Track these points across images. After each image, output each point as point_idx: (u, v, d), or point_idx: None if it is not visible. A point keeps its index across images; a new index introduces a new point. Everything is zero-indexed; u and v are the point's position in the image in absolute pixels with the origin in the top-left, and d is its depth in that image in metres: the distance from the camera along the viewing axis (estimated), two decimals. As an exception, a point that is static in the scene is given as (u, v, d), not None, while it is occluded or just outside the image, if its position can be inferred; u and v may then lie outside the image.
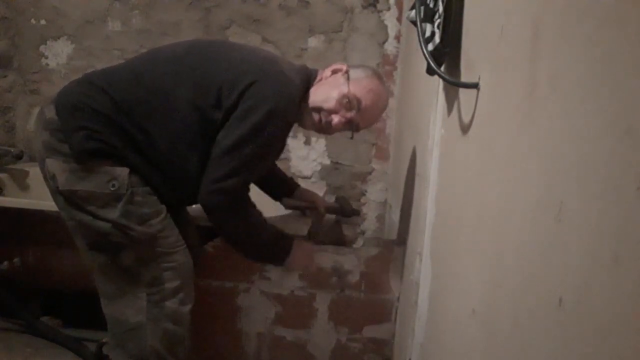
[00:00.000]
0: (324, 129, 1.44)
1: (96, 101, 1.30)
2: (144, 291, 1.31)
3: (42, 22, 2.44)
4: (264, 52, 1.47)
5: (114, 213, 1.28)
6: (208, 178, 1.31)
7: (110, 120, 1.29)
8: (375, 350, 1.75)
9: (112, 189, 1.28)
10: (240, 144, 1.28)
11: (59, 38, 2.44)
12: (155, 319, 1.32)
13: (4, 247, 1.90)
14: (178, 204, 1.44)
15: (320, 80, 1.43)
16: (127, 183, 1.29)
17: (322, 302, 1.72)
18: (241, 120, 1.27)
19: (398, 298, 1.72)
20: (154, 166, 1.32)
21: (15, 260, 1.90)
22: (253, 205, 1.38)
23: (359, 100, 1.39)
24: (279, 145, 1.42)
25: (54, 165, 1.30)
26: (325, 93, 1.39)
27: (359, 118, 1.41)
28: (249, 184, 1.37)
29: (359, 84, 1.40)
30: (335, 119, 1.40)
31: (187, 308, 1.36)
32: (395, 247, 1.71)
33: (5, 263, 1.88)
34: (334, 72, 1.43)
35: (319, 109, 1.40)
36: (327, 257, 1.69)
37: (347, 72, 1.42)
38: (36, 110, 2.48)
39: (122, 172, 1.29)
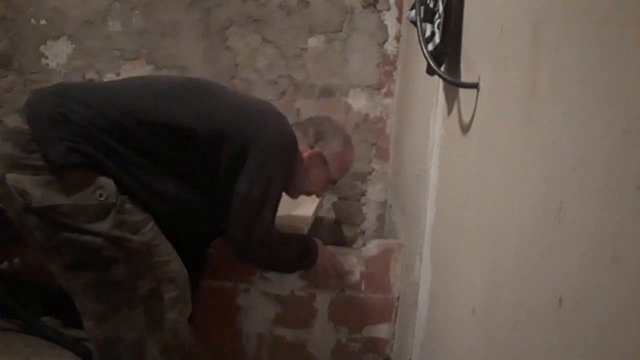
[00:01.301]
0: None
1: (78, 113, 1.19)
2: (141, 305, 1.24)
3: (42, 22, 2.44)
4: (259, 99, 1.49)
5: (104, 225, 1.17)
6: (239, 229, 1.32)
7: (92, 134, 1.19)
8: (375, 349, 1.75)
9: (100, 199, 1.17)
10: (265, 192, 1.31)
11: (59, 38, 2.44)
12: (155, 332, 1.26)
13: (4, 247, 1.90)
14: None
15: (301, 162, 1.45)
16: (114, 191, 1.20)
17: (322, 302, 1.72)
18: (259, 169, 1.29)
19: (398, 298, 1.72)
20: (137, 182, 1.25)
21: (15, 260, 1.89)
22: (274, 228, 1.40)
23: (339, 177, 1.57)
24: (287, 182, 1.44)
25: (21, 180, 1.13)
26: (309, 185, 1.52)
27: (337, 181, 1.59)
28: (274, 224, 1.39)
29: (338, 165, 1.52)
30: (319, 195, 1.62)
31: (185, 316, 1.32)
32: (395, 246, 1.71)
33: (5, 263, 1.88)
34: (310, 157, 1.47)
35: (305, 193, 1.56)
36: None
37: (323, 156, 1.49)
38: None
39: (106, 180, 1.20)
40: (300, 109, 2.41)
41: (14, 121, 1.17)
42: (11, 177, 1.14)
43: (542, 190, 0.62)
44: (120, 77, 1.44)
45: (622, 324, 0.44)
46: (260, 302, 1.72)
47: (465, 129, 1.01)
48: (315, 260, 1.57)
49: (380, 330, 1.74)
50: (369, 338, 1.75)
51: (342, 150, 1.52)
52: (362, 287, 1.72)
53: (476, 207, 0.91)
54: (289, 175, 1.38)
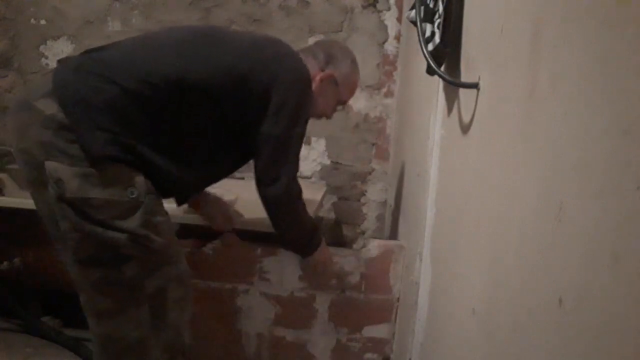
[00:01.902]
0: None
1: (105, 93, 1.19)
2: (147, 303, 1.23)
3: (42, 22, 2.44)
4: (266, 36, 1.50)
5: (132, 223, 1.18)
6: (268, 169, 1.36)
7: (123, 113, 1.19)
8: (374, 349, 1.75)
9: (131, 196, 1.18)
10: (289, 130, 1.34)
11: (59, 38, 2.44)
12: (158, 330, 1.25)
13: (4, 247, 1.90)
14: (175, 195, 1.42)
15: (315, 86, 1.48)
16: (145, 190, 1.21)
17: (322, 303, 1.72)
18: (281, 109, 1.32)
19: (398, 298, 1.72)
20: (162, 155, 1.25)
21: (15, 260, 1.89)
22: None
23: (348, 98, 1.60)
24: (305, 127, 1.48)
25: (59, 169, 1.14)
26: (321, 107, 1.52)
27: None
28: (298, 166, 1.44)
29: (348, 86, 1.55)
30: (330, 116, 1.62)
31: (188, 316, 1.31)
32: (395, 247, 1.71)
33: (5, 263, 1.87)
34: (322, 80, 1.48)
35: (317, 116, 1.56)
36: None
37: (334, 78, 1.51)
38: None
39: (139, 178, 1.20)
40: (300, 109, 2.40)
41: (49, 107, 1.17)
42: (49, 165, 1.15)
43: (542, 190, 0.62)
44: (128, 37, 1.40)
45: (622, 324, 0.44)
46: (259, 303, 1.72)
47: (465, 129, 1.01)
48: (315, 250, 1.57)
49: (380, 330, 1.74)
50: (368, 338, 1.75)
51: (351, 71, 1.55)
52: (363, 288, 1.72)
53: (476, 207, 0.91)
54: (308, 109, 1.42)
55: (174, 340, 1.29)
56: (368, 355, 1.76)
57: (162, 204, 1.27)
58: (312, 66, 1.46)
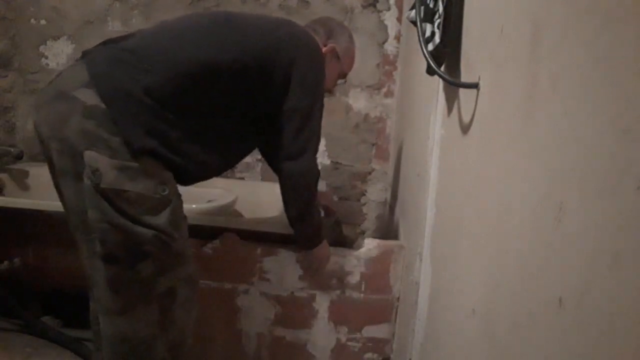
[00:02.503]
0: None
1: (142, 82, 1.21)
2: (157, 303, 1.24)
3: (42, 22, 2.44)
4: (277, 18, 1.53)
5: (160, 219, 1.20)
6: (294, 142, 1.38)
7: (158, 101, 1.21)
8: (374, 349, 1.75)
9: (162, 193, 1.20)
10: (312, 104, 1.39)
11: (59, 38, 2.44)
12: (165, 330, 1.26)
13: (4, 247, 1.90)
14: (196, 181, 1.44)
15: None
16: (175, 189, 1.24)
17: (322, 303, 1.72)
18: (302, 83, 1.37)
19: (398, 298, 1.72)
20: (192, 140, 1.27)
21: (15, 260, 1.89)
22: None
23: (349, 71, 1.67)
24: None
25: (98, 159, 1.15)
26: (326, 81, 1.53)
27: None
28: (318, 145, 1.47)
29: (348, 59, 1.63)
30: (332, 91, 1.69)
31: (193, 317, 1.33)
32: (395, 247, 1.71)
33: (6, 263, 1.88)
34: (325, 54, 1.54)
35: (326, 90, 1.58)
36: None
37: (336, 51, 1.58)
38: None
39: (170, 177, 1.24)
40: (300, 109, 2.40)
41: (90, 98, 1.18)
42: (89, 154, 1.16)
43: (542, 190, 0.62)
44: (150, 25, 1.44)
45: (622, 324, 0.44)
46: (259, 303, 1.72)
47: (465, 129, 1.01)
48: (317, 245, 1.59)
49: (380, 330, 1.74)
50: (368, 338, 1.75)
51: (350, 44, 1.63)
52: (362, 288, 1.72)
53: (476, 207, 0.91)
54: (324, 83, 1.47)
55: (179, 341, 1.29)
56: (368, 355, 1.76)
57: (182, 206, 1.29)
58: None
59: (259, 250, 1.69)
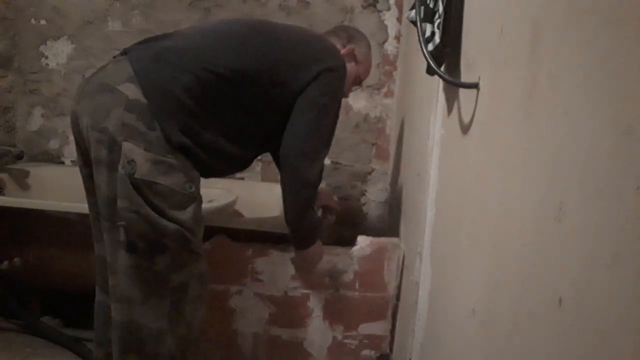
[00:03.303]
0: None
1: (182, 81, 1.26)
2: (169, 296, 1.27)
3: (42, 22, 2.44)
4: (307, 30, 1.59)
5: (185, 215, 1.25)
6: (305, 140, 1.39)
7: (195, 100, 1.27)
8: (371, 346, 1.75)
9: (189, 190, 1.26)
10: (326, 105, 1.41)
11: (59, 38, 2.44)
12: (174, 324, 1.29)
13: (4, 247, 1.90)
14: (219, 176, 1.50)
15: None
16: (199, 188, 1.29)
17: (316, 302, 1.72)
18: (322, 85, 1.40)
19: (394, 296, 1.72)
20: (220, 137, 1.34)
21: (15, 260, 1.89)
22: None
23: (365, 77, 1.69)
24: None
25: (135, 151, 1.21)
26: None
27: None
28: (327, 152, 1.49)
29: (366, 64, 1.66)
30: (347, 95, 1.67)
31: (200, 314, 1.35)
32: (389, 245, 1.71)
33: (6, 263, 1.87)
34: (344, 55, 1.56)
35: None
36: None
37: (354, 54, 1.61)
38: (37, 111, 2.50)
39: (197, 176, 1.30)
40: (300, 109, 2.40)
41: (133, 92, 1.23)
42: (127, 146, 1.21)
43: (542, 190, 0.62)
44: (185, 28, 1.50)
45: (622, 324, 0.44)
46: (253, 304, 1.71)
47: (465, 129, 1.01)
48: (312, 244, 1.59)
49: (377, 328, 1.74)
50: (365, 335, 1.75)
51: (368, 50, 1.67)
52: (357, 287, 1.71)
53: (476, 207, 0.91)
54: (341, 97, 1.50)
55: (187, 336, 1.32)
56: (365, 352, 1.76)
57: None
58: (335, 42, 1.56)
59: (250, 252, 1.70)
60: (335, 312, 1.72)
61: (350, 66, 1.58)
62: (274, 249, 1.69)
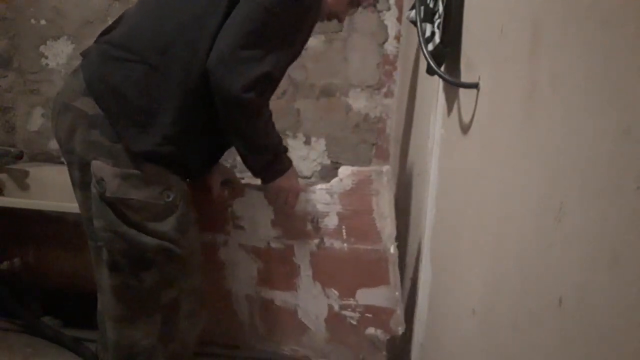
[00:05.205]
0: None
1: (134, 75, 1.16)
2: (159, 313, 1.23)
3: (42, 22, 2.44)
4: None
5: (165, 226, 1.18)
6: (242, 40, 1.13)
7: (154, 92, 1.15)
8: (376, 322, 1.43)
9: (167, 200, 1.18)
10: (277, 9, 1.15)
11: (59, 38, 2.44)
12: (166, 341, 1.26)
13: (4, 247, 1.90)
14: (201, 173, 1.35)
15: None
16: (180, 193, 1.21)
17: (302, 258, 1.45)
18: None
19: (391, 250, 1.41)
20: (189, 127, 1.19)
21: (15, 260, 1.90)
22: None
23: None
24: (305, 36, 1.28)
25: (103, 168, 1.15)
26: (334, 4, 1.35)
27: None
28: (276, 74, 1.21)
29: None
30: (343, 18, 1.44)
31: (197, 331, 1.31)
32: (373, 174, 1.39)
33: (5, 263, 1.88)
34: None
35: (328, 14, 1.38)
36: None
37: None
38: (37, 111, 2.50)
39: (177, 180, 1.21)
40: (300, 109, 2.41)
41: (90, 107, 1.17)
42: (95, 165, 1.16)
43: (542, 190, 0.62)
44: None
45: (622, 324, 0.44)
46: (241, 258, 1.51)
47: (465, 129, 1.01)
48: (280, 176, 1.33)
49: (378, 296, 1.41)
50: (366, 306, 1.43)
51: None
52: (344, 235, 1.40)
53: (476, 207, 0.91)
54: (305, 24, 1.25)
55: (180, 353, 1.29)
56: (370, 330, 1.44)
57: (192, 211, 1.26)
58: None
59: (226, 193, 1.46)
60: (325, 272, 1.45)
61: None
62: (249, 188, 1.47)
